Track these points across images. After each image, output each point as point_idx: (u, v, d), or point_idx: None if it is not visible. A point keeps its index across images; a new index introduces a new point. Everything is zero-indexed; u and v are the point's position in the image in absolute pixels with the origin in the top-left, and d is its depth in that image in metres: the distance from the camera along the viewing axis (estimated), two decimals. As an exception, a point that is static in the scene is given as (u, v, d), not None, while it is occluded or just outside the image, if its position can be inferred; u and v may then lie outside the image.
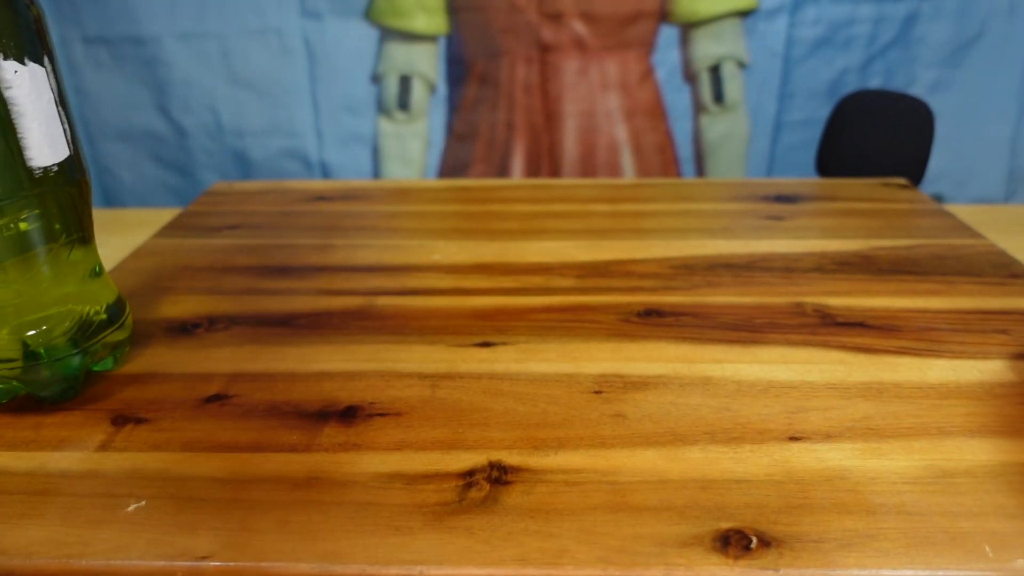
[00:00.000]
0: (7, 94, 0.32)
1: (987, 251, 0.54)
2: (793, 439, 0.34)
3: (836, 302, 0.46)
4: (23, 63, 0.32)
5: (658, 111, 1.57)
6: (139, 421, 0.36)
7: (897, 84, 1.51)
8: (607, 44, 1.52)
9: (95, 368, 0.39)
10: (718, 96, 1.55)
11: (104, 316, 0.38)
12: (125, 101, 1.54)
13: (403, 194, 0.70)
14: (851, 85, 1.50)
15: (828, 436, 0.34)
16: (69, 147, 0.35)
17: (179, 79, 1.52)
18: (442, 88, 1.56)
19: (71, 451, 0.34)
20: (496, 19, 1.48)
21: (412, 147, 1.57)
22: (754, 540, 0.28)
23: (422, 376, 0.39)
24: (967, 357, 0.40)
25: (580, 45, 1.52)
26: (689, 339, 0.42)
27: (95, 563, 0.28)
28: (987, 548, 0.27)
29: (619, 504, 0.30)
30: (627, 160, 1.61)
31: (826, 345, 0.41)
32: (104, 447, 0.34)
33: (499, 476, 0.32)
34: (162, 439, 0.34)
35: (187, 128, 1.56)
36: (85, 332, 0.37)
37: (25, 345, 0.35)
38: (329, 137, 1.58)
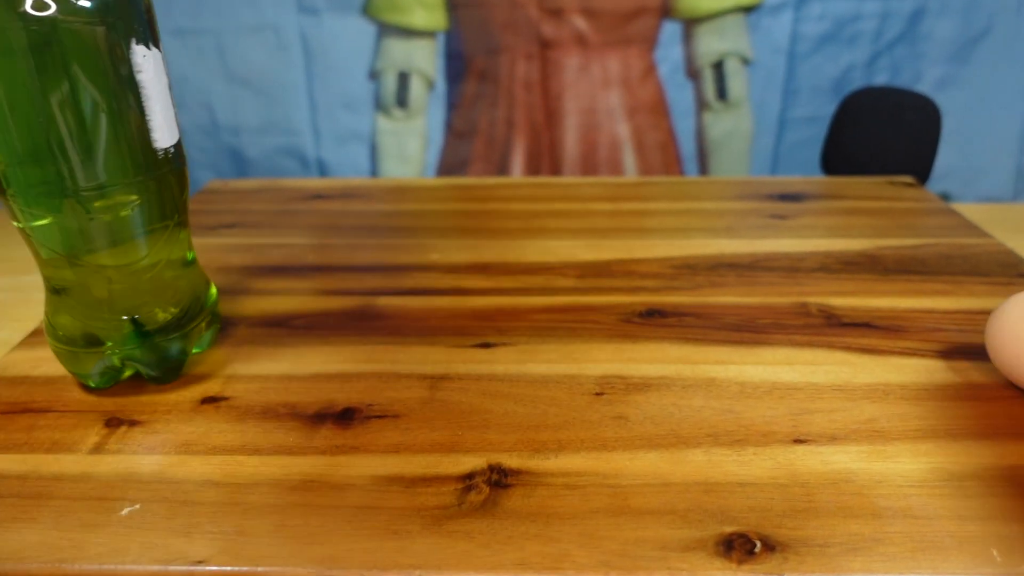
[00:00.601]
0: (138, 77, 0.32)
1: (995, 251, 0.54)
2: (798, 441, 0.34)
3: (841, 302, 0.46)
4: (148, 48, 0.33)
5: (660, 108, 1.57)
6: (133, 423, 0.36)
7: (903, 81, 1.51)
8: (609, 40, 1.52)
9: (194, 350, 0.40)
10: (721, 93, 1.55)
11: (202, 298, 0.39)
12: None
13: (401, 193, 0.71)
14: (856, 82, 1.50)
15: (833, 438, 0.34)
16: (179, 131, 0.36)
17: (174, 76, 1.52)
18: (441, 85, 1.56)
19: (64, 453, 0.34)
20: (496, 15, 1.48)
21: (410, 145, 1.57)
22: (758, 544, 0.28)
23: (421, 377, 0.39)
24: (975, 359, 0.40)
25: (581, 41, 1.52)
26: (692, 340, 0.42)
27: (88, 567, 0.28)
28: (995, 552, 0.27)
29: (620, 507, 0.30)
30: (629, 158, 1.61)
31: (831, 346, 0.41)
32: (97, 449, 0.34)
33: (499, 479, 0.32)
34: (156, 441, 0.34)
35: (182, 126, 1.56)
36: (188, 313, 0.38)
37: (136, 325, 0.36)
38: (326, 135, 1.58)
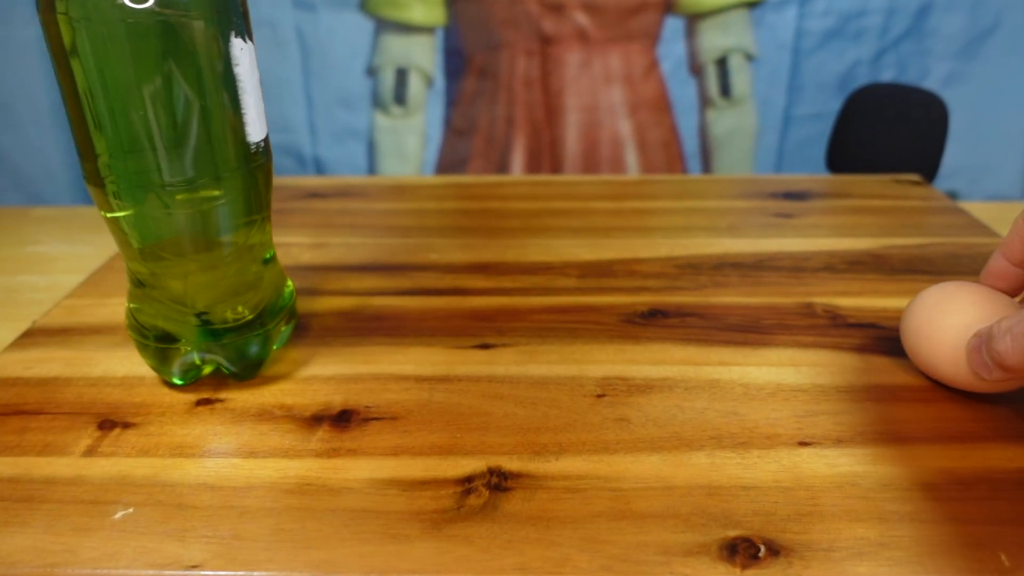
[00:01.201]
0: (235, 71, 0.33)
1: (1003, 250, 0.54)
2: (803, 444, 0.34)
3: (847, 303, 0.46)
4: (244, 41, 0.33)
5: (663, 105, 1.57)
6: (126, 425, 0.36)
7: (910, 77, 1.51)
8: (610, 36, 1.52)
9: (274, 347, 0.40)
10: (725, 89, 1.55)
11: (283, 295, 0.40)
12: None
13: (399, 191, 0.71)
14: (863, 78, 1.50)
15: (839, 441, 0.34)
16: (267, 125, 0.36)
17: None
18: (440, 81, 1.56)
19: (56, 456, 0.34)
20: (496, 10, 1.48)
21: (409, 142, 1.57)
22: (762, 549, 0.28)
23: (419, 379, 0.39)
24: (982, 359, 0.40)
25: (582, 37, 1.52)
26: (695, 341, 0.42)
27: (81, 572, 0.28)
28: (1003, 556, 0.27)
29: (622, 511, 0.30)
30: (631, 156, 1.61)
31: (837, 347, 0.41)
32: (90, 452, 0.34)
33: (499, 482, 0.32)
34: (150, 444, 0.34)
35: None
36: (269, 311, 0.38)
37: (205, 323, 0.36)
38: (323, 132, 1.58)
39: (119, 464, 0.33)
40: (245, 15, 0.33)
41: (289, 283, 0.41)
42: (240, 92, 0.33)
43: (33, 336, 0.44)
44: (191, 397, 0.38)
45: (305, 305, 0.47)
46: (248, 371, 0.39)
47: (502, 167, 1.59)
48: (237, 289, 0.37)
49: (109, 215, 0.34)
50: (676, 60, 1.54)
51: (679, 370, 0.39)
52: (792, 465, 0.32)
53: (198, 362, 0.38)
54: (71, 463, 0.33)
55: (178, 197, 0.33)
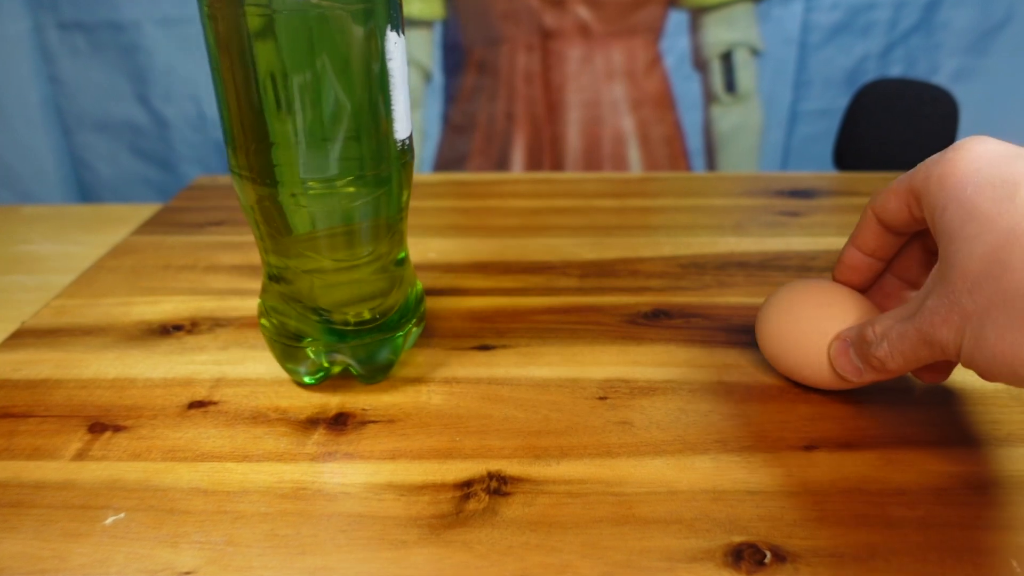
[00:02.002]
0: (388, 65, 0.32)
1: (1014, 249, 0.54)
2: (810, 448, 0.34)
3: (855, 303, 0.46)
4: (398, 35, 0.32)
5: (666, 101, 1.57)
6: (117, 429, 0.36)
7: (919, 72, 1.51)
8: (612, 30, 1.52)
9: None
10: (730, 85, 1.55)
11: (413, 297, 0.39)
12: (103, 90, 1.53)
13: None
14: (871, 73, 1.50)
15: (847, 445, 0.34)
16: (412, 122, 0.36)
17: (160, 67, 1.52)
18: (438, 77, 1.56)
19: (46, 460, 0.34)
20: (495, 3, 1.48)
21: (406, 139, 1.57)
22: (768, 555, 0.28)
23: (417, 381, 0.39)
24: (993, 361, 0.40)
25: (584, 31, 1.52)
26: (699, 342, 0.42)
27: (71, 579, 0.28)
28: (1014, 563, 0.27)
29: (625, 516, 0.30)
30: (633, 153, 1.61)
31: (844, 348, 0.41)
32: (81, 456, 0.34)
33: (498, 487, 0.32)
34: (142, 448, 0.34)
35: (168, 119, 1.56)
36: (400, 313, 0.38)
37: (327, 323, 0.36)
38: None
39: (110, 468, 0.33)
40: (400, 8, 0.33)
41: (418, 284, 0.41)
42: (392, 87, 0.33)
43: (22, 337, 0.44)
44: (183, 399, 0.38)
45: (300, 305, 0.47)
46: (377, 374, 0.39)
47: (502, 164, 1.60)
48: (369, 290, 0.36)
49: (250, 206, 0.34)
50: (680, 55, 1.54)
51: (683, 372, 0.39)
52: (799, 469, 0.32)
53: (326, 364, 0.38)
54: (61, 467, 0.33)
55: (324, 192, 0.33)
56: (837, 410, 0.36)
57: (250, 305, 0.47)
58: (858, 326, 0.34)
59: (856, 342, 0.33)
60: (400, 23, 0.32)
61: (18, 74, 1.53)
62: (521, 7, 1.49)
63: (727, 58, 1.54)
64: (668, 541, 0.29)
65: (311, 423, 0.36)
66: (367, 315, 0.36)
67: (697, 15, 1.51)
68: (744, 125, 1.59)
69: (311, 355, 0.37)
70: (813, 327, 0.36)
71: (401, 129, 0.34)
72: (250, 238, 0.58)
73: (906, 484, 0.31)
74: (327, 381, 0.39)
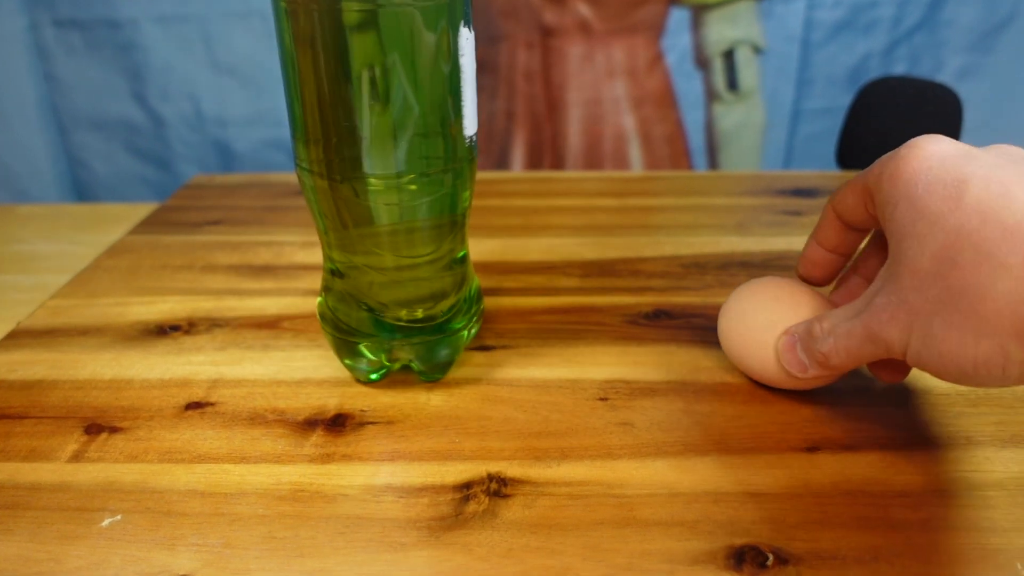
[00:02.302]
0: (460, 61, 0.32)
1: None
2: (812, 449, 0.34)
3: (858, 303, 0.46)
4: (470, 30, 0.32)
5: (668, 99, 1.57)
6: (114, 430, 0.36)
7: (923, 70, 1.51)
8: (614, 28, 1.52)
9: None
10: (732, 83, 1.55)
11: (473, 295, 0.39)
12: (99, 88, 1.53)
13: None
14: (874, 71, 1.50)
15: (850, 446, 0.34)
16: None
17: (157, 65, 1.51)
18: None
19: (42, 462, 0.34)
20: (495, 1, 1.48)
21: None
22: (770, 557, 0.28)
23: (416, 382, 0.39)
24: (998, 362, 0.40)
25: (585, 29, 1.52)
26: (701, 342, 0.42)
27: (67, 581, 0.28)
28: (1019, 566, 0.27)
29: (626, 519, 0.30)
30: (635, 151, 1.61)
31: (847, 349, 0.41)
32: (77, 458, 0.34)
33: (498, 489, 0.32)
34: (138, 449, 0.34)
35: (165, 117, 1.56)
36: (460, 310, 0.38)
37: (420, 318, 0.36)
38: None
39: (106, 470, 0.33)
40: (471, 3, 0.33)
41: (476, 281, 0.40)
42: (463, 83, 0.33)
43: (17, 338, 0.44)
44: (180, 401, 0.38)
45: (298, 306, 0.47)
46: (437, 371, 0.39)
47: (502, 163, 1.59)
48: (433, 287, 0.36)
49: (318, 202, 0.34)
50: (681, 53, 1.54)
51: (685, 373, 0.39)
52: (801, 471, 0.32)
53: (386, 362, 0.38)
54: (56, 469, 0.33)
55: (401, 186, 0.33)
56: (840, 412, 0.36)
57: (248, 305, 0.47)
58: (807, 321, 0.34)
59: (803, 337, 0.34)
60: (471, 18, 0.32)
61: (13, 72, 1.53)
62: (521, 4, 1.49)
63: (729, 56, 1.54)
64: (670, 543, 0.29)
65: (309, 424, 0.36)
66: (428, 313, 0.36)
67: (699, 12, 1.51)
68: (746, 123, 1.59)
69: (371, 353, 0.37)
70: (765, 323, 0.36)
71: (470, 125, 0.34)
72: (248, 237, 0.58)
73: (909, 486, 0.31)
74: (327, 382, 0.39)
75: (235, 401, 0.38)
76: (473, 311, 0.39)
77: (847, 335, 0.31)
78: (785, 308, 0.36)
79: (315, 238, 0.57)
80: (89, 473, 0.33)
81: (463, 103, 0.33)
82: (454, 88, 0.32)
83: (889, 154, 0.31)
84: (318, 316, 0.38)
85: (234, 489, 0.32)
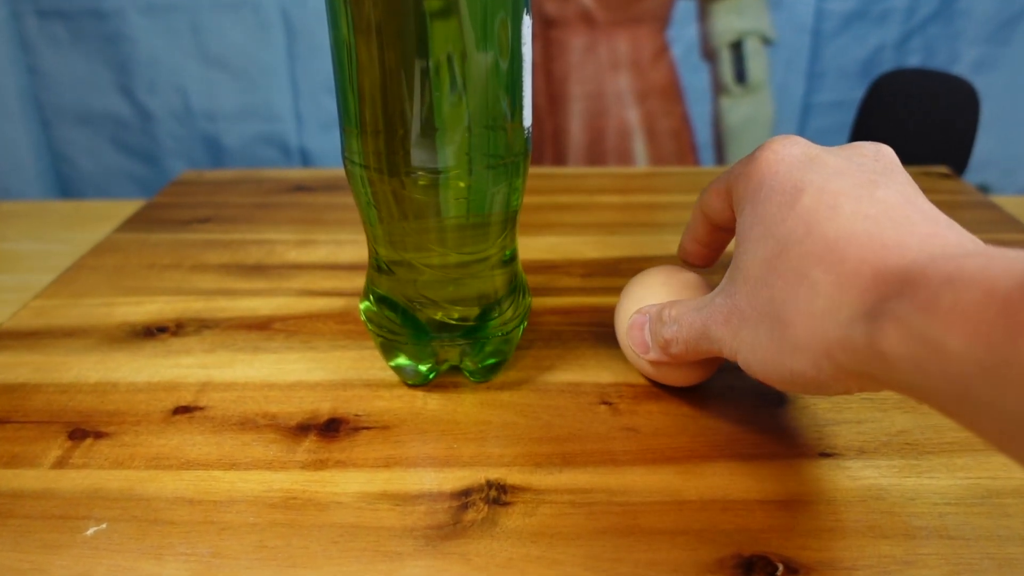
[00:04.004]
0: (522, 50, 0.32)
1: (1038, 247, 0.54)
2: (823, 455, 0.34)
3: (871, 303, 0.46)
4: (531, 18, 0.32)
5: (673, 92, 1.57)
6: (99, 435, 0.36)
7: (938, 63, 1.51)
8: (617, 18, 1.52)
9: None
10: (740, 75, 1.55)
11: (522, 292, 0.39)
12: (84, 81, 1.53)
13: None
14: (887, 64, 1.50)
15: (862, 452, 0.34)
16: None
17: (144, 57, 1.51)
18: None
19: (24, 468, 0.34)
20: (494, -10, 1.48)
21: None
22: (780, 567, 0.28)
23: (412, 386, 0.39)
24: (1016, 364, 0.40)
25: (587, 19, 1.52)
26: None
27: (50, 592, 0.28)
28: (1038, 576, 0.27)
29: (631, 527, 0.30)
30: (639, 146, 1.61)
31: (860, 351, 0.41)
32: (60, 464, 0.34)
33: (498, 496, 0.32)
34: (124, 455, 0.34)
35: (153, 111, 1.56)
36: (514, 308, 0.38)
37: (473, 319, 0.36)
38: (310, 121, 1.58)
39: (91, 476, 0.33)
40: None
41: (524, 279, 0.40)
42: (525, 72, 0.32)
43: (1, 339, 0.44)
44: (168, 405, 0.38)
45: (290, 306, 0.47)
46: (486, 373, 0.39)
47: (501, 159, 1.59)
48: (480, 285, 0.36)
49: (365, 193, 0.34)
50: (688, 44, 1.53)
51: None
52: (812, 478, 0.32)
53: (432, 364, 0.38)
54: (40, 475, 0.33)
55: (455, 180, 0.32)
56: (853, 415, 0.36)
57: (238, 305, 0.47)
58: (661, 304, 0.35)
59: (654, 318, 0.35)
60: (531, 5, 0.32)
61: (-5, 64, 1.52)
62: (522, -6, 1.49)
63: (737, 47, 1.54)
64: (676, 553, 0.29)
65: (302, 429, 0.36)
66: (477, 311, 0.36)
67: (706, 2, 1.51)
68: (755, 117, 1.58)
69: (420, 354, 0.37)
70: (634, 307, 0.37)
71: (528, 116, 0.34)
72: (238, 235, 0.58)
73: (925, 493, 0.31)
74: (320, 385, 0.39)
75: (225, 405, 0.38)
76: (522, 310, 0.39)
77: (688, 326, 0.32)
78: (672, 293, 0.36)
79: (310, 236, 0.57)
80: (73, 480, 0.33)
81: (524, 93, 0.33)
82: (520, 77, 0.32)
83: (746, 156, 0.31)
84: (363, 318, 0.38)
85: (224, 497, 0.32)
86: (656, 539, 0.29)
